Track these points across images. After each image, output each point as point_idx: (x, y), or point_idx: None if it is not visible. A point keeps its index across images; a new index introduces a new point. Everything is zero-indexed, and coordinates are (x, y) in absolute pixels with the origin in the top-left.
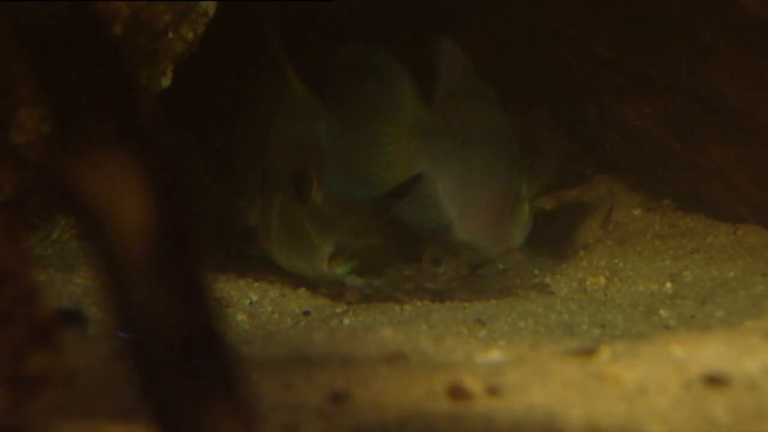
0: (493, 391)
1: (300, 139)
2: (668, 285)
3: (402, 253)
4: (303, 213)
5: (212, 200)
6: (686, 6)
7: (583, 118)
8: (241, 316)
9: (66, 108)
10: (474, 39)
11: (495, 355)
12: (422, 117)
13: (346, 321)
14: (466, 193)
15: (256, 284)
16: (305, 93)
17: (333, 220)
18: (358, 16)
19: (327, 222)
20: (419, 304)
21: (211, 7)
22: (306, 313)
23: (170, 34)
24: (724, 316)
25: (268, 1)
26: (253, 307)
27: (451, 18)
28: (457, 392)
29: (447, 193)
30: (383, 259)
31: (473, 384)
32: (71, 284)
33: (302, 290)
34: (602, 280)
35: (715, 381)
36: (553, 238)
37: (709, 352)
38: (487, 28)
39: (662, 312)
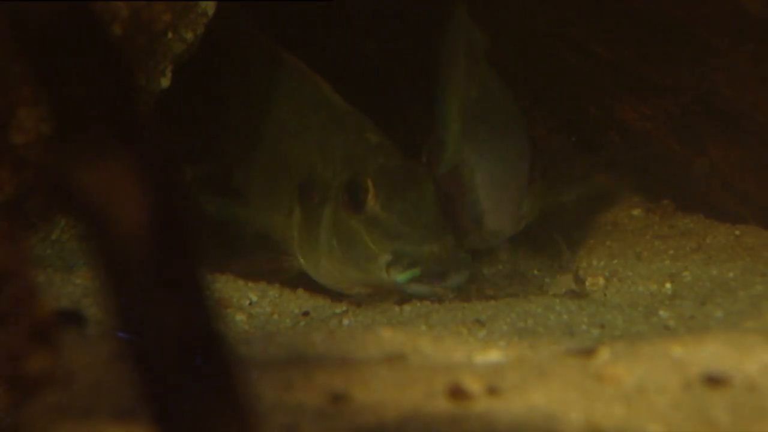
0: (492, 392)
1: (349, 149)
2: (668, 285)
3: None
4: (358, 222)
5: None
6: (686, 6)
7: (583, 118)
8: (240, 317)
9: (65, 108)
10: None
11: (494, 355)
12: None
13: (345, 321)
14: (499, 182)
15: (255, 285)
16: (342, 102)
17: (391, 228)
18: (356, 14)
19: (385, 230)
20: (418, 305)
21: (210, 8)
22: (305, 314)
23: (170, 35)
24: (724, 317)
25: (267, 2)
26: (253, 307)
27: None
28: (457, 393)
29: (483, 183)
30: (445, 265)
31: (473, 384)
32: (71, 284)
33: (301, 291)
34: (601, 281)
35: (714, 381)
36: (553, 238)
37: (709, 353)
38: (486, 27)
39: (662, 312)
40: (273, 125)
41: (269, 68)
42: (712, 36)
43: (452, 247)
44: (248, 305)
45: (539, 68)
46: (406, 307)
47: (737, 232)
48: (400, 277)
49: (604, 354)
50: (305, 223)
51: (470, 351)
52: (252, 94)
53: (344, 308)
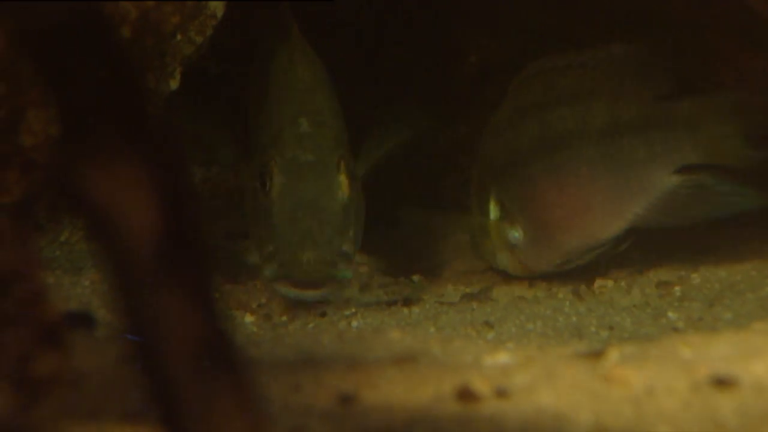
0: (501, 393)
1: (281, 131)
2: (676, 288)
3: None
4: (262, 204)
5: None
6: (692, 7)
7: None
8: (249, 318)
9: (74, 110)
10: (481, 40)
11: (503, 357)
12: None
13: (354, 323)
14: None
15: (264, 286)
16: (311, 80)
17: (279, 223)
18: (361, 16)
19: (273, 223)
20: (427, 306)
21: (219, 9)
22: (323, 315)
23: (178, 36)
24: (732, 318)
25: (275, 2)
26: (262, 308)
27: (457, 18)
28: (466, 394)
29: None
30: (312, 277)
31: (481, 386)
32: (79, 286)
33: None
34: (610, 283)
35: (722, 383)
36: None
37: (717, 354)
38: (493, 29)
39: (670, 314)
40: (267, 101)
41: (279, 49)
42: (718, 37)
43: (332, 257)
44: (257, 307)
45: None
46: (415, 309)
47: (745, 234)
48: (268, 272)
49: (612, 356)
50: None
51: (479, 353)
52: (262, 74)
53: (353, 310)
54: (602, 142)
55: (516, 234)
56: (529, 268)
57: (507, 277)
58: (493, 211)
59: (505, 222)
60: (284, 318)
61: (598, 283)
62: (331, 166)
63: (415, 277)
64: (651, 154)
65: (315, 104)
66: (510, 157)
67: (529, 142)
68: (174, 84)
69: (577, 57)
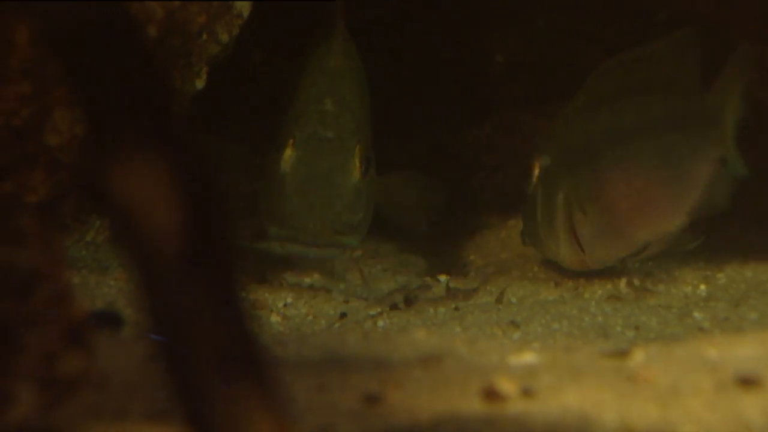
0: (527, 393)
1: (305, 109)
2: (702, 287)
3: None
4: (278, 175)
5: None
6: (718, 8)
7: None
8: (275, 318)
9: (99, 110)
10: (507, 40)
11: (529, 357)
12: None
13: (380, 323)
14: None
15: (290, 286)
16: (341, 63)
17: (289, 191)
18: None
19: (283, 190)
20: (453, 306)
21: (245, 9)
22: (343, 316)
23: (204, 36)
24: (758, 318)
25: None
26: (288, 308)
27: (483, 18)
28: (491, 394)
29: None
30: (314, 241)
31: (507, 386)
32: (105, 286)
33: (336, 292)
34: (636, 282)
35: (748, 383)
36: None
37: (743, 354)
38: (521, 29)
39: (696, 314)
40: (292, 88)
41: (322, 42)
42: (745, 39)
43: (335, 228)
44: (283, 306)
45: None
46: (441, 309)
47: None
48: (273, 232)
49: (638, 355)
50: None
51: (505, 352)
52: (303, 64)
53: (379, 310)
54: (662, 136)
55: (585, 226)
56: (588, 262)
57: (533, 277)
58: (561, 204)
59: (573, 213)
60: (309, 317)
61: (624, 282)
62: (349, 146)
63: (442, 277)
64: (702, 146)
65: (343, 90)
66: (581, 149)
67: (598, 136)
68: (200, 84)
69: (644, 50)
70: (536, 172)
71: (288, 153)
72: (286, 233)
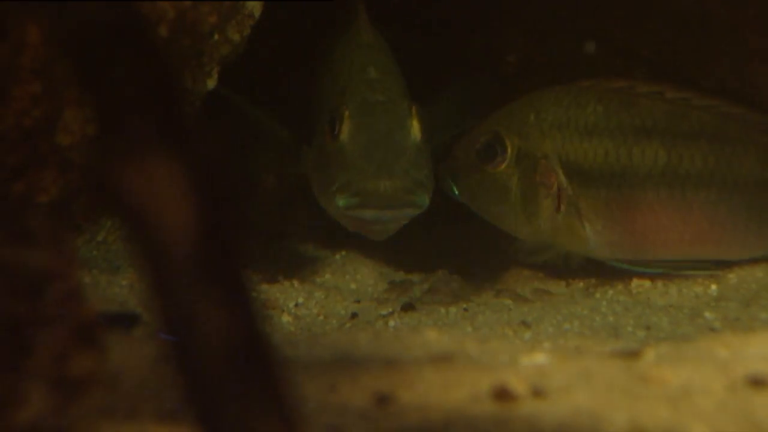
0: (537, 393)
1: (349, 81)
2: (713, 287)
3: None
4: (332, 150)
5: None
6: (732, 8)
7: None
8: (286, 318)
9: (110, 110)
10: (519, 40)
11: (540, 357)
12: None
13: (391, 323)
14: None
15: (301, 286)
16: (369, 37)
17: (351, 159)
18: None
19: (345, 160)
20: (464, 306)
21: (256, 9)
22: (354, 315)
23: (216, 36)
24: None
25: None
26: (299, 308)
27: (495, 18)
28: (502, 394)
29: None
30: (387, 202)
31: (518, 386)
32: (116, 286)
33: (347, 292)
34: (647, 283)
35: (759, 383)
36: None
37: (754, 354)
38: (531, 28)
39: (707, 314)
40: (326, 70)
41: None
42: (759, 39)
43: (406, 186)
44: (294, 306)
45: (583, 69)
46: (452, 309)
47: None
48: (342, 202)
49: (649, 356)
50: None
51: (515, 352)
52: (327, 47)
53: (390, 310)
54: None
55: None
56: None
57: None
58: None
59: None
60: (320, 317)
61: (635, 282)
62: (403, 107)
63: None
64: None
65: (382, 60)
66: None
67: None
68: (211, 84)
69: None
70: (510, 152)
71: (341, 123)
72: (357, 200)
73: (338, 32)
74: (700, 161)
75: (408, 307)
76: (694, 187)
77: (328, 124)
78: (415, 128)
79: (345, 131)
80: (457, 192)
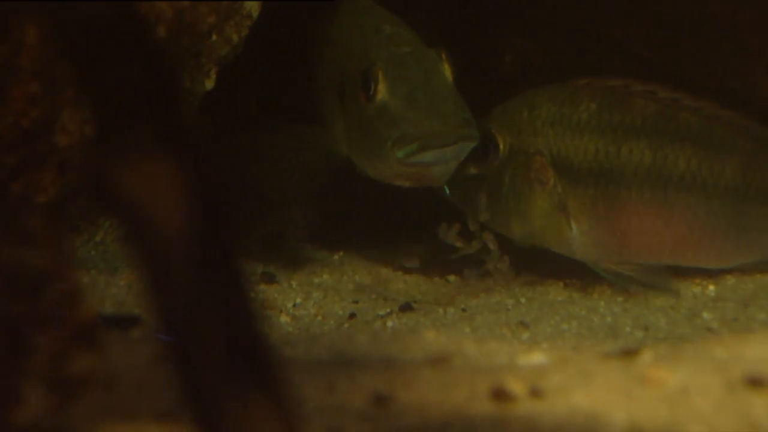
0: (535, 394)
1: (367, 41)
2: (711, 288)
3: None
4: (370, 110)
5: None
6: (730, 8)
7: None
8: (284, 319)
9: (108, 110)
10: (517, 40)
11: (538, 357)
12: None
13: (389, 323)
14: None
15: (299, 286)
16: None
17: (397, 113)
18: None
19: (391, 115)
20: (462, 306)
21: (254, 9)
22: (352, 316)
23: (214, 36)
24: (767, 319)
25: (299, 2)
26: (297, 309)
27: (493, 18)
28: (500, 394)
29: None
30: (444, 139)
31: (516, 386)
32: (114, 286)
33: (345, 293)
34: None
35: (757, 383)
36: None
37: (752, 355)
38: (530, 29)
39: (705, 315)
40: (332, 47)
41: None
42: (758, 39)
43: (457, 123)
44: (292, 307)
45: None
46: (450, 309)
47: None
48: (400, 153)
49: (647, 356)
50: (339, 118)
51: (513, 353)
52: (332, 24)
53: (388, 310)
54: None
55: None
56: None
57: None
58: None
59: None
60: (319, 317)
61: None
62: (431, 53)
63: (451, 278)
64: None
65: (391, 17)
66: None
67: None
68: (209, 84)
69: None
70: (502, 150)
71: (376, 82)
72: (416, 145)
73: (327, 13)
74: (683, 164)
75: (406, 308)
76: (675, 190)
77: (362, 89)
78: (448, 71)
79: (382, 89)
80: (448, 192)
